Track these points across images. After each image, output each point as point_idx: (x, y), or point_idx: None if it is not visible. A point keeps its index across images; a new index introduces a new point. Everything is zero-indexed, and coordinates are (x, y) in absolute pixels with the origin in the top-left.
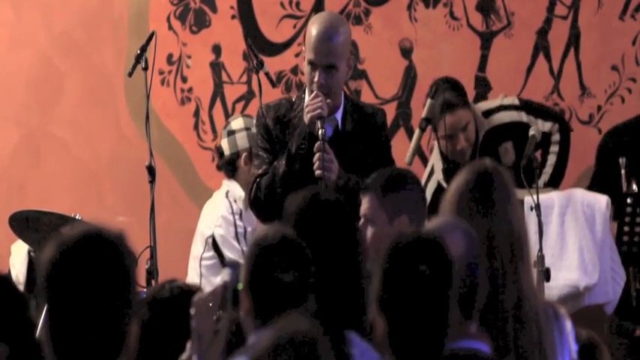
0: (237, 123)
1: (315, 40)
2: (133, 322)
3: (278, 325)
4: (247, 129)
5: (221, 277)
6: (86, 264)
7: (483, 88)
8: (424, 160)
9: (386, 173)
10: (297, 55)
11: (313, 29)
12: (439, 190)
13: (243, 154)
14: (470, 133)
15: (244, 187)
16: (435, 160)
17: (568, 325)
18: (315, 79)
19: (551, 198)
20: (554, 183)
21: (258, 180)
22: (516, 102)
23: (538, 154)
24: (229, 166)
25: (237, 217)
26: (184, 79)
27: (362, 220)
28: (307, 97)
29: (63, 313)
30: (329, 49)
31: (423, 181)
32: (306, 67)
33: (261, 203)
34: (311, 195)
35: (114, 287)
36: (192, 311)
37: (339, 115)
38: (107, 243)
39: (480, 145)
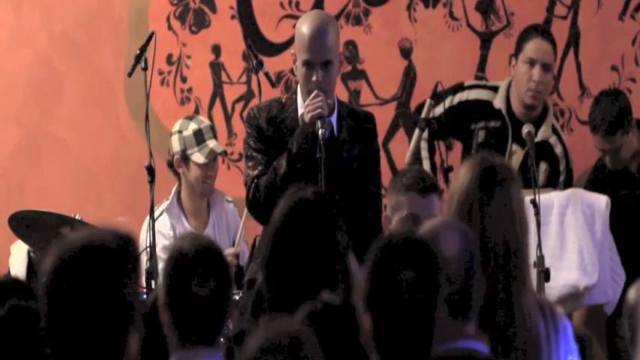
0: (175, 125)
1: (309, 40)
2: (134, 331)
3: (267, 326)
4: (180, 132)
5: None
6: (86, 278)
7: None
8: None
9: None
10: None
11: (304, 29)
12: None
13: (175, 157)
14: (549, 80)
15: (188, 189)
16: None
17: (564, 323)
18: (314, 78)
19: (550, 198)
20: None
21: (255, 181)
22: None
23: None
24: (172, 169)
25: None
26: (184, 79)
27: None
28: (300, 98)
29: (63, 323)
30: (323, 46)
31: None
32: (300, 69)
33: (261, 204)
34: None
35: (114, 298)
36: None
37: (333, 119)
38: (108, 256)
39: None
